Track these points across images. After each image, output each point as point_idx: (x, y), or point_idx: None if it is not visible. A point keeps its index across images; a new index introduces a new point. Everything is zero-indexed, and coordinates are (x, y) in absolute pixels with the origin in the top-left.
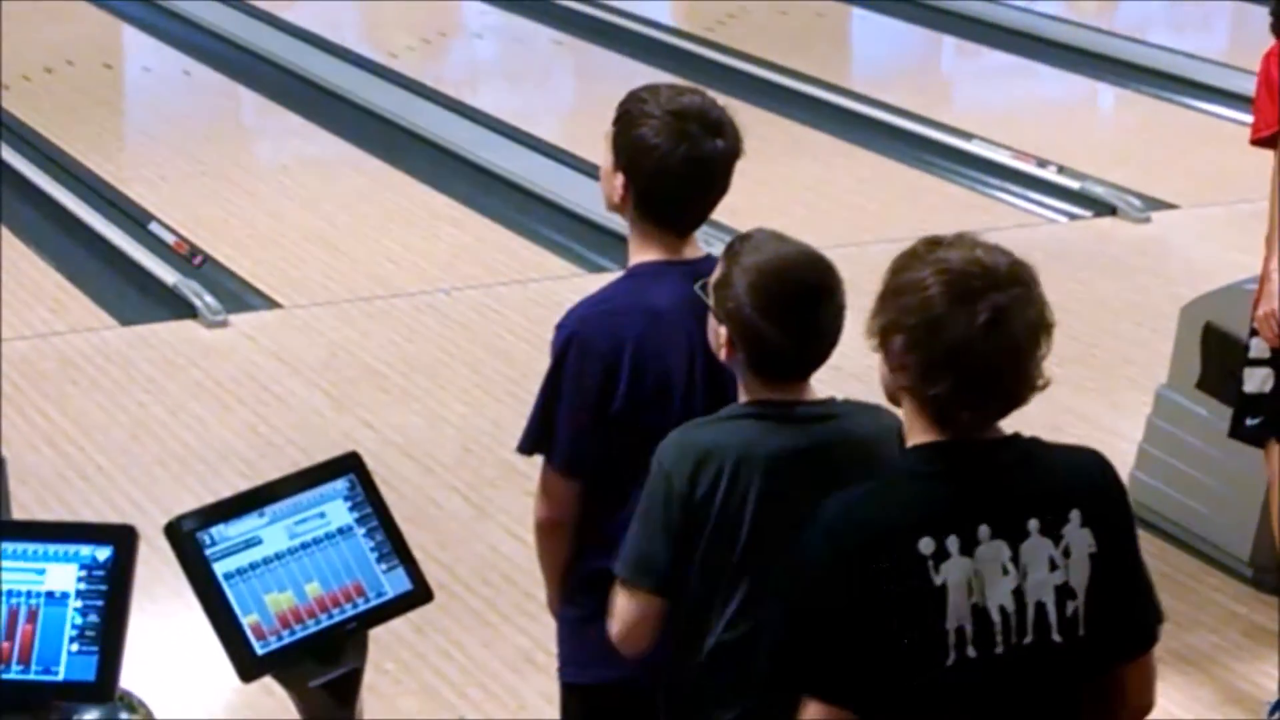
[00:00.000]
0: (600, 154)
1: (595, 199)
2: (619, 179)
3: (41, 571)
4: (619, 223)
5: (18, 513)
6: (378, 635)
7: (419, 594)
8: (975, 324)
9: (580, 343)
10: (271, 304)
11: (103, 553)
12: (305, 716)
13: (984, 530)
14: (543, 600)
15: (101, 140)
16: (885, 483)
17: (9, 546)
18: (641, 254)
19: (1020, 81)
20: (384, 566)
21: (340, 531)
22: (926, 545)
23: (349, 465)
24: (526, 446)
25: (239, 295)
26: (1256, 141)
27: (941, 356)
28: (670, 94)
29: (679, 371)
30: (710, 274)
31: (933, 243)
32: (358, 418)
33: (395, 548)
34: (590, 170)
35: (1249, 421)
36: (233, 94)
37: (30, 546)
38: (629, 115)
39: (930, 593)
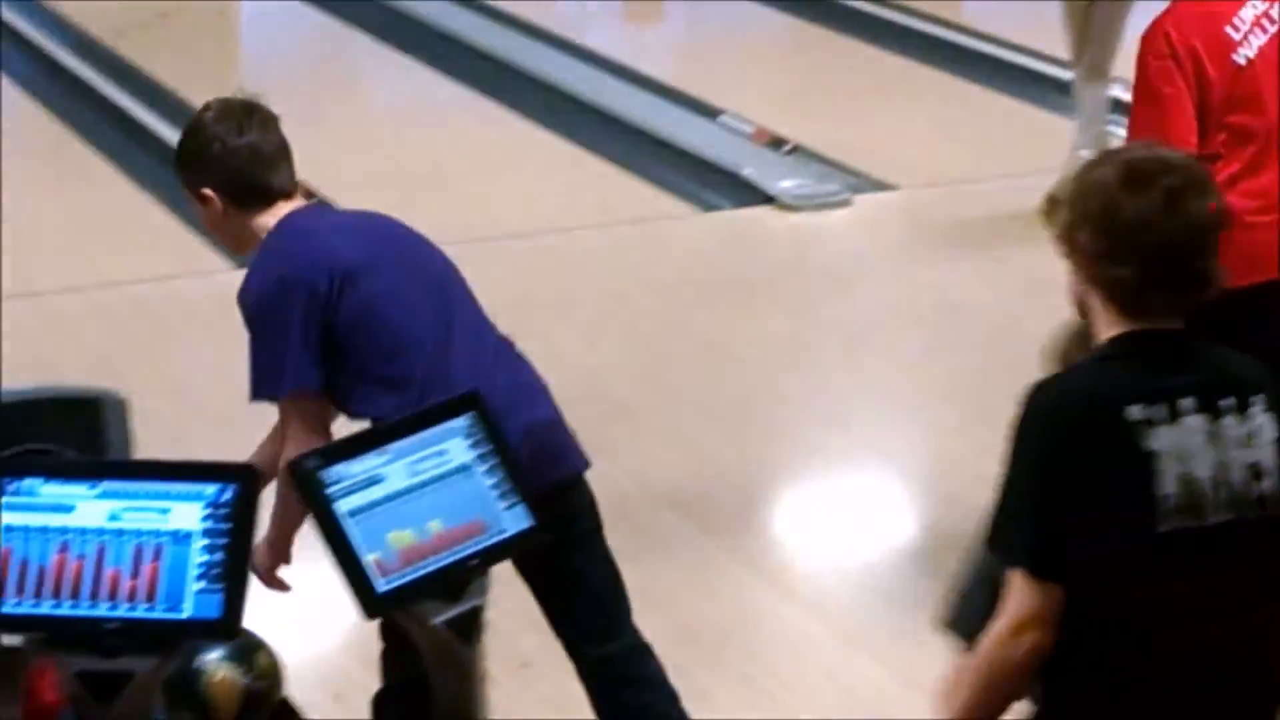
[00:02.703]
0: (649, 107)
1: (708, 137)
2: (210, 198)
3: (166, 510)
4: (732, 161)
5: (140, 455)
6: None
7: (539, 531)
8: (1153, 202)
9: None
10: None
11: (227, 491)
12: (426, 654)
13: (1188, 403)
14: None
15: (217, 85)
16: (1085, 365)
17: (133, 486)
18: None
19: (1141, 8)
20: (504, 504)
21: (460, 469)
22: (1136, 412)
23: (469, 403)
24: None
25: None
26: None
27: (1124, 237)
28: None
29: None
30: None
31: (1115, 151)
32: None
33: (515, 485)
34: (703, 109)
35: None
36: (345, 37)
37: (154, 486)
38: (187, 150)
39: (1141, 457)
